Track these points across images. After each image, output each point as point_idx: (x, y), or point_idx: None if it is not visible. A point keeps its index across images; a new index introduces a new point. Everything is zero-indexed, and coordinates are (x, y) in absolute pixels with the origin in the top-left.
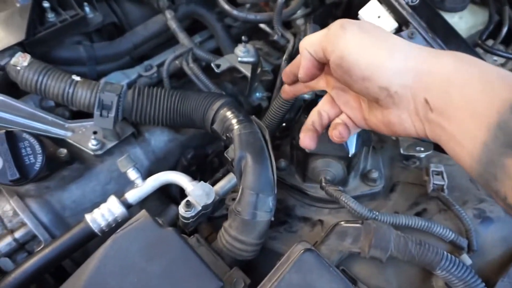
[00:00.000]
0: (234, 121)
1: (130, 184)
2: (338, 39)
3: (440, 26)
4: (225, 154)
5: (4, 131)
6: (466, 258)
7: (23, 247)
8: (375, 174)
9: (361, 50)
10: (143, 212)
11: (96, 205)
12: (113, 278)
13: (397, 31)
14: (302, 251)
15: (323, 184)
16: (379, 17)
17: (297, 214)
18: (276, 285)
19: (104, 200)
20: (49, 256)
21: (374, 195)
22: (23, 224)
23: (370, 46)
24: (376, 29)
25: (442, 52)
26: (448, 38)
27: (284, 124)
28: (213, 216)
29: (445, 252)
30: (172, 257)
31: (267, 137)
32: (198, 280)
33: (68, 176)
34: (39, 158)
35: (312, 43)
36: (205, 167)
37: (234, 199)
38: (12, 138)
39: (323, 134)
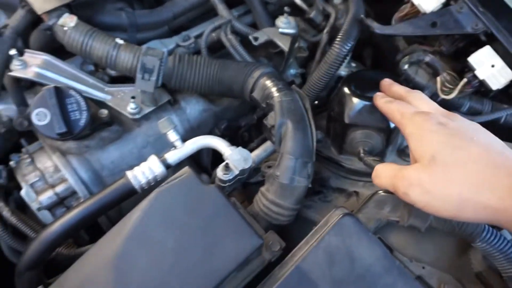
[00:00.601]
0: (274, 89)
1: (165, 149)
2: (405, 199)
3: (491, 1)
4: (264, 121)
5: (53, 86)
6: (506, 233)
7: (62, 202)
8: None
9: (429, 209)
10: (187, 168)
11: (133, 167)
12: (156, 230)
13: (445, 6)
14: (341, 216)
15: (362, 155)
16: None
17: (331, 185)
18: (315, 246)
19: (140, 163)
20: (91, 209)
21: None
22: (63, 180)
23: (437, 207)
24: (438, 187)
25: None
26: (499, 14)
27: (316, 102)
28: (248, 182)
29: (486, 225)
30: (214, 213)
31: (307, 105)
32: (239, 236)
33: (107, 137)
34: (84, 114)
35: (382, 186)
36: (237, 139)
37: (270, 167)
38: (60, 94)
39: (364, 105)
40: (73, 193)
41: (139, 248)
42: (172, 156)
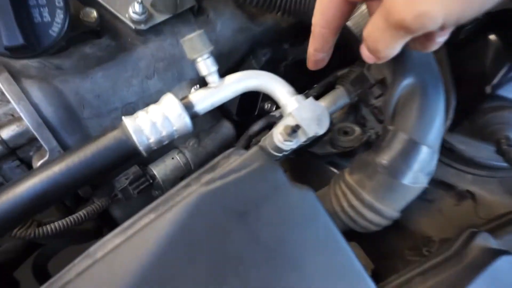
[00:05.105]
0: None
1: (181, 84)
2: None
3: None
4: (365, 72)
5: None
6: None
7: (14, 153)
8: None
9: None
10: (257, 150)
11: (131, 108)
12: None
13: None
14: (494, 255)
15: (505, 146)
16: None
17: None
18: None
19: (143, 101)
20: (59, 179)
21: None
22: (15, 119)
23: None
24: None
25: None
26: None
27: None
28: (311, 152)
29: None
30: (310, 237)
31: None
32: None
33: (92, 56)
34: (60, 15)
35: None
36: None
37: (346, 133)
38: None
39: None
40: (31, 140)
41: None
42: (203, 99)
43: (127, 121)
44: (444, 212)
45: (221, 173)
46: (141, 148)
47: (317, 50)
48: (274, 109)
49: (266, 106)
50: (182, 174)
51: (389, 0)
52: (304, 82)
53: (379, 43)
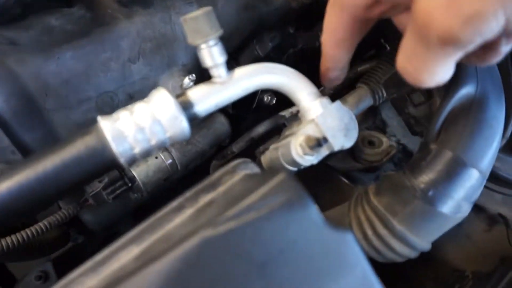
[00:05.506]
0: None
1: (173, 71)
2: None
3: None
4: None
5: None
6: None
7: None
8: None
9: None
10: (286, 177)
11: (108, 98)
12: None
13: None
14: None
15: None
16: None
17: None
18: None
19: (123, 90)
20: (7, 202)
21: None
22: None
23: None
24: None
25: None
26: None
27: None
28: (329, 166)
29: None
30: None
31: None
32: None
33: (59, 30)
34: None
35: None
36: None
37: (371, 143)
38: None
39: None
40: None
41: None
42: (205, 97)
43: (104, 124)
44: (474, 239)
45: (235, 207)
46: (122, 160)
47: (329, 70)
48: (274, 102)
49: (265, 99)
50: (166, 176)
51: (421, 8)
52: (311, 75)
53: (422, 72)
